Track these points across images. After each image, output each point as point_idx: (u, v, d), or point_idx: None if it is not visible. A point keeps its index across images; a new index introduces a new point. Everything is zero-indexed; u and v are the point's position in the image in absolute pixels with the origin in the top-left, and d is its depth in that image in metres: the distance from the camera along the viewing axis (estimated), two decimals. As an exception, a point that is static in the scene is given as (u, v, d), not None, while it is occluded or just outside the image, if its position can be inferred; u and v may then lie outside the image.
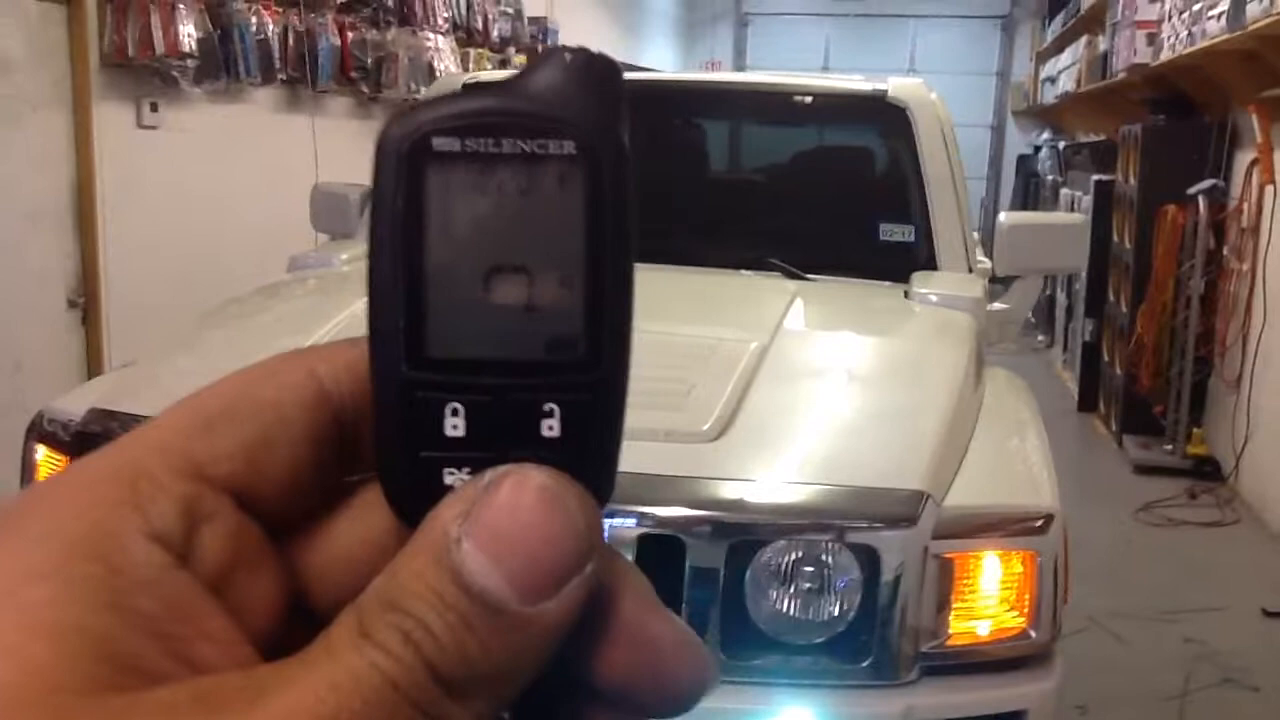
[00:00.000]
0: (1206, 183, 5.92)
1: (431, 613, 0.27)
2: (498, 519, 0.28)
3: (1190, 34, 5.69)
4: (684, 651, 0.30)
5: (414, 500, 0.29)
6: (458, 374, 0.30)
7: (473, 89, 0.30)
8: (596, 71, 0.31)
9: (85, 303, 4.48)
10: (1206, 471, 5.78)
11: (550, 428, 0.30)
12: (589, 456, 0.31)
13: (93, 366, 4.48)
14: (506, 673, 0.27)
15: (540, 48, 8.68)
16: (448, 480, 0.30)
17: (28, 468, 2.15)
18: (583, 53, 0.31)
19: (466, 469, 0.30)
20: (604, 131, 0.30)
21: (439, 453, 0.30)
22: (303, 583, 0.31)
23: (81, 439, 2.03)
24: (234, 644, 0.28)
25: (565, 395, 0.30)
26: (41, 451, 2.13)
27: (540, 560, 0.27)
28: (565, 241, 0.30)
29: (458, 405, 0.30)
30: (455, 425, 0.30)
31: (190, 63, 4.75)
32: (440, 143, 0.29)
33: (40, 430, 2.14)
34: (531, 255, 0.30)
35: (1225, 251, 5.91)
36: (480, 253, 0.30)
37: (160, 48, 4.56)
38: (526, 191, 0.30)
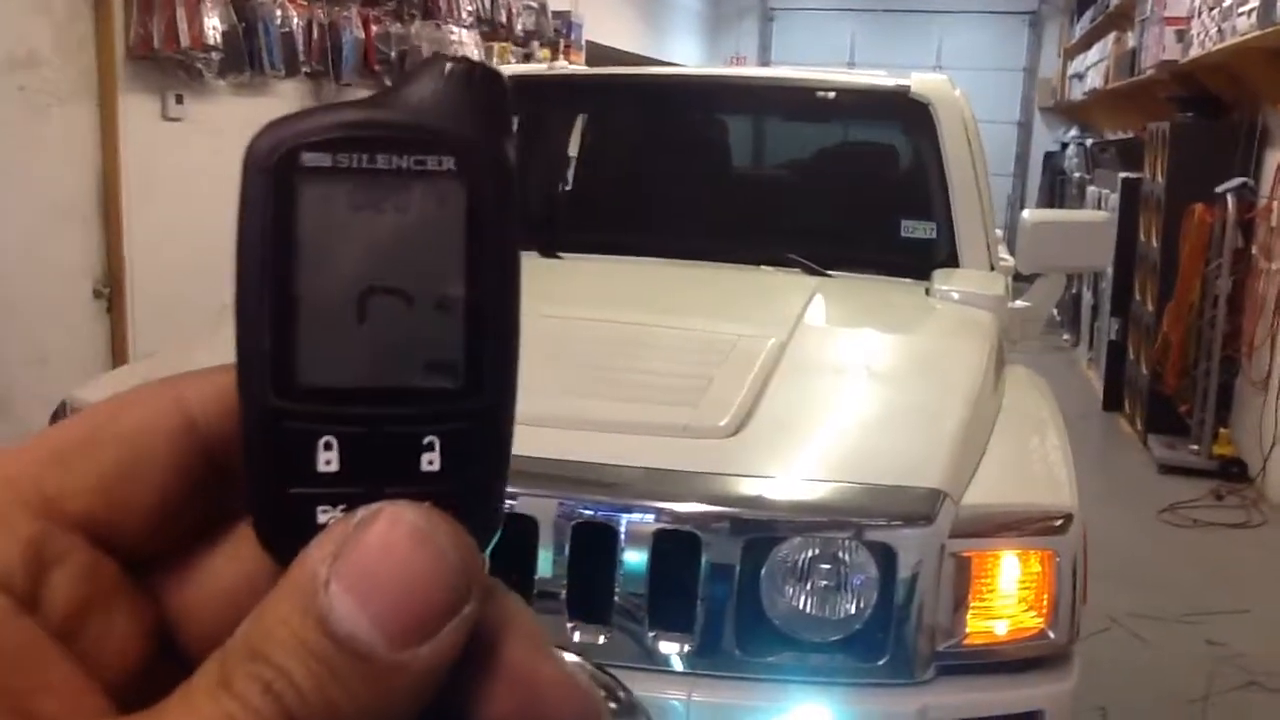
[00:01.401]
0: (1235, 181, 5.85)
1: (294, 661, 0.25)
2: (367, 560, 0.26)
3: (1220, 31, 5.63)
4: (570, 695, 0.29)
5: (285, 539, 0.28)
6: (330, 404, 0.28)
7: (348, 102, 0.29)
8: (478, 82, 0.29)
9: (110, 293, 4.51)
10: (1233, 472, 5.73)
11: (430, 461, 0.28)
12: (473, 491, 0.29)
13: (117, 357, 4.51)
14: None
15: (564, 42, 8.68)
16: (321, 518, 0.28)
17: (50, 457, 2.16)
18: (463, 62, 0.29)
19: (341, 506, 0.28)
20: (485, 147, 0.29)
21: (311, 489, 0.28)
22: (174, 622, 0.30)
23: (102, 429, 2.04)
24: (80, 694, 0.27)
25: (446, 426, 0.29)
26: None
27: (411, 604, 0.26)
28: (444, 262, 0.28)
29: (330, 438, 0.28)
30: (329, 459, 0.28)
31: (215, 55, 4.78)
32: (310, 158, 0.28)
33: (63, 419, 2.16)
34: (409, 277, 0.28)
35: (1254, 251, 5.85)
36: (354, 274, 0.28)
37: (185, 40, 4.58)
38: (403, 210, 0.28)
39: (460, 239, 0.28)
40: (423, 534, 0.27)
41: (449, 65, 0.29)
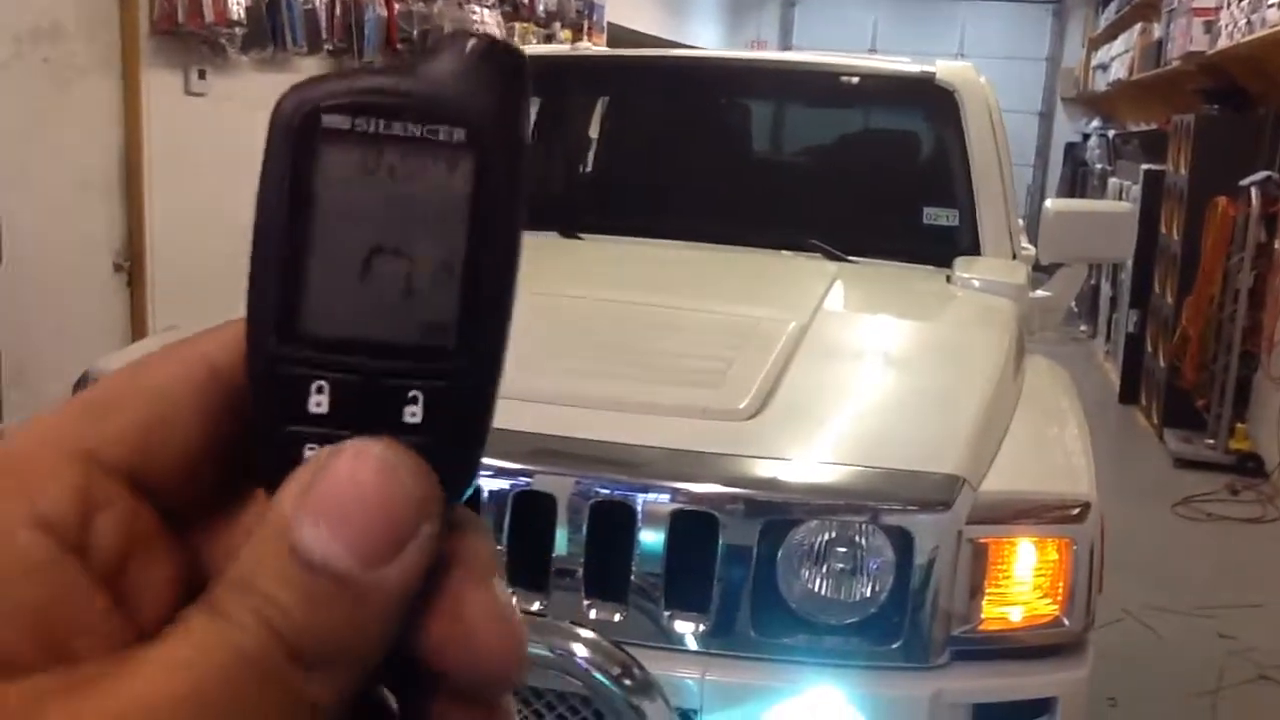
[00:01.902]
0: (1260, 175, 5.81)
1: (279, 588, 0.27)
2: (333, 491, 0.28)
3: (1249, 22, 5.58)
4: (498, 629, 0.30)
5: (278, 473, 0.29)
6: (325, 351, 0.30)
7: (371, 69, 0.30)
8: (497, 61, 0.30)
9: (131, 267, 4.54)
10: (1249, 467, 5.70)
11: (413, 413, 0.30)
12: (449, 445, 0.30)
13: (137, 330, 4.54)
14: (360, 641, 0.28)
15: (586, 24, 8.66)
16: (307, 454, 0.30)
17: (73, 426, 2.18)
18: (485, 40, 0.30)
19: (327, 445, 0.30)
20: (498, 123, 0.30)
21: (302, 427, 0.30)
22: (205, 571, 0.31)
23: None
24: (114, 634, 0.28)
25: (431, 382, 0.30)
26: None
27: (376, 527, 0.28)
28: (448, 230, 0.30)
29: (323, 382, 0.30)
30: (319, 402, 0.30)
31: (238, 31, 4.78)
32: (330, 120, 0.29)
33: (85, 390, 2.18)
34: (412, 240, 0.30)
35: (1276, 245, 5.81)
36: (361, 233, 0.29)
37: (209, 16, 4.59)
38: (413, 176, 0.29)
39: (465, 209, 0.30)
40: (384, 463, 0.29)
41: (471, 41, 0.30)
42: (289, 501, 0.28)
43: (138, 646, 0.27)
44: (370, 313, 0.30)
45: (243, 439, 0.31)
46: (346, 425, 0.30)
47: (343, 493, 0.28)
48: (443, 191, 0.29)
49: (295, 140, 0.29)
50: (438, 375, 0.30)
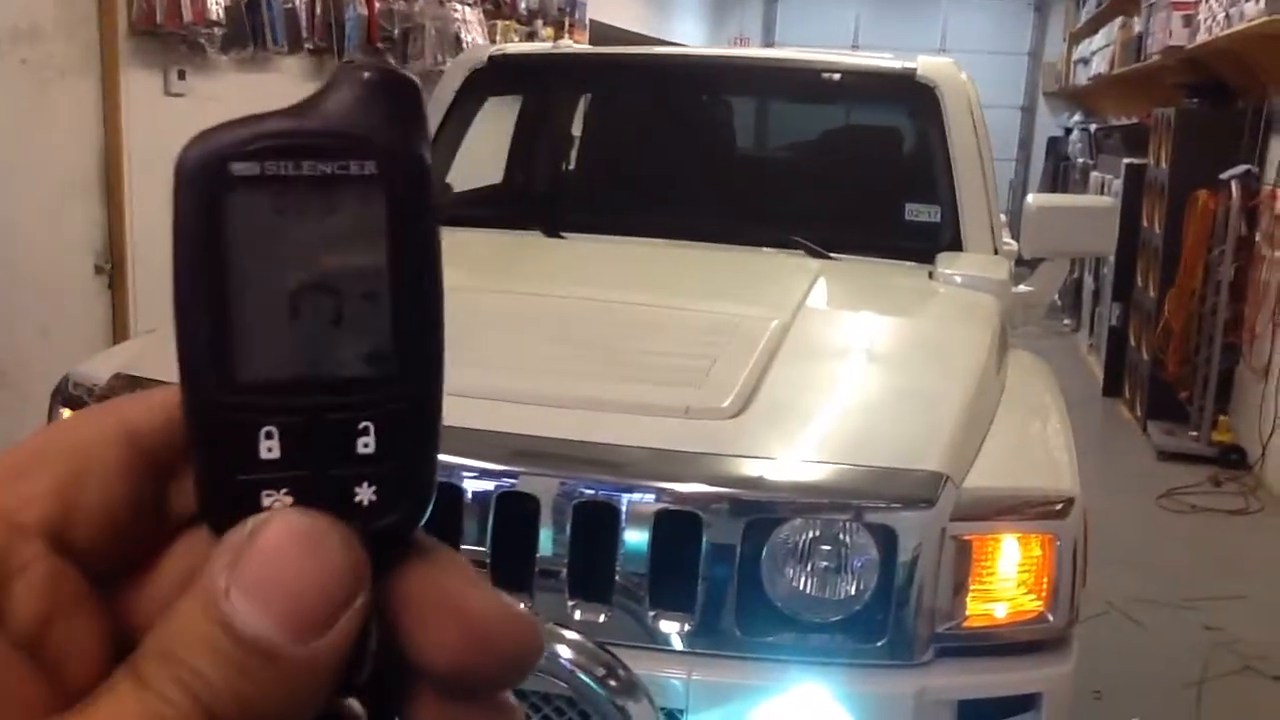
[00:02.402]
0: (1240, 168, 5.84)
1: (205, 661, 0.27)
2: (262, 566, 0.28)
3: (1228, 16, 5.60)
4: (509, 622, 0.31)
5: (234, 524, 0.29)
6: (269, 395, 0.30)
7: (272, 113, 0.30)
8: (393, 89, 0.31)
9: (112, 269, 4.51)
10: (1232, 459, 5.74)
11: (365, 445, 0.30)
12: (407, 469, 0.31)
13: (119, 332, 4.51)
14: (287, 711, 0.28)
15: (568, 21, 8.64)
16: (265, 502, 0.30)
17: (52, 431, 2.17)
18: (379, 70, 0.31)
19: (284, 489, 0.30)
20: (403, 149, 0.30)
21: (256, 475, 0.30)
22: (131, 630, 0.31)
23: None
24: (38, 700, 0.28)
25: (378, 411, 0.31)
26: (67, 415, 2.15)
27: (307, 602, 0.28)
28: (370, 260, 0.30)
29: (271, 428, 0.30)
30: (270, 448, 0.30)
31: (218, 31, 4.75)
32: (239, 167, 0.29)
33: (65, 394, 2.16)
34: (337, 275, 0.30)
35: (1257, 238, 5.84)
36: (285, 274, 0.30)
37: (188, 15, 4.56)
38: (328, 212, 0.30)
39: (383, 237, 0.30)
40: (312, 538, 0.29)
41: (366, 74, 0.31)
42: (219, 572, 0.28)
43: (64, 715, 0.27)
44: (306, 351, 0.30)
45: (156, 497, 0.32)
46: (300, 466, 0.30)
47: (273, 567, 0.28)
48: (360, 223, 0.30)
49: (206, 191, 0.29)
50: (382, 403, 0.31)
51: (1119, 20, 9.27)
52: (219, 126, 0.30)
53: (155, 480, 0.32)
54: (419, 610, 0.30)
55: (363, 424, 0.30)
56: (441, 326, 0.31)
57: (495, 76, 3.45)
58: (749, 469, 1.82)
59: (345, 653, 0.29)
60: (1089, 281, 8.51)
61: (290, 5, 5.28)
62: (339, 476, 0.30)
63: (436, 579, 0.31)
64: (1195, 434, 6.01)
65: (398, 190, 0.30)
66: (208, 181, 0.29)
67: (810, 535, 1.76)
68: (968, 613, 1.79)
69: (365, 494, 0.31)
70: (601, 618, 1.77)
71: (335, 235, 0.30)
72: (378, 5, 6.03)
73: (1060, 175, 11.33)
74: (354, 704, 0.31)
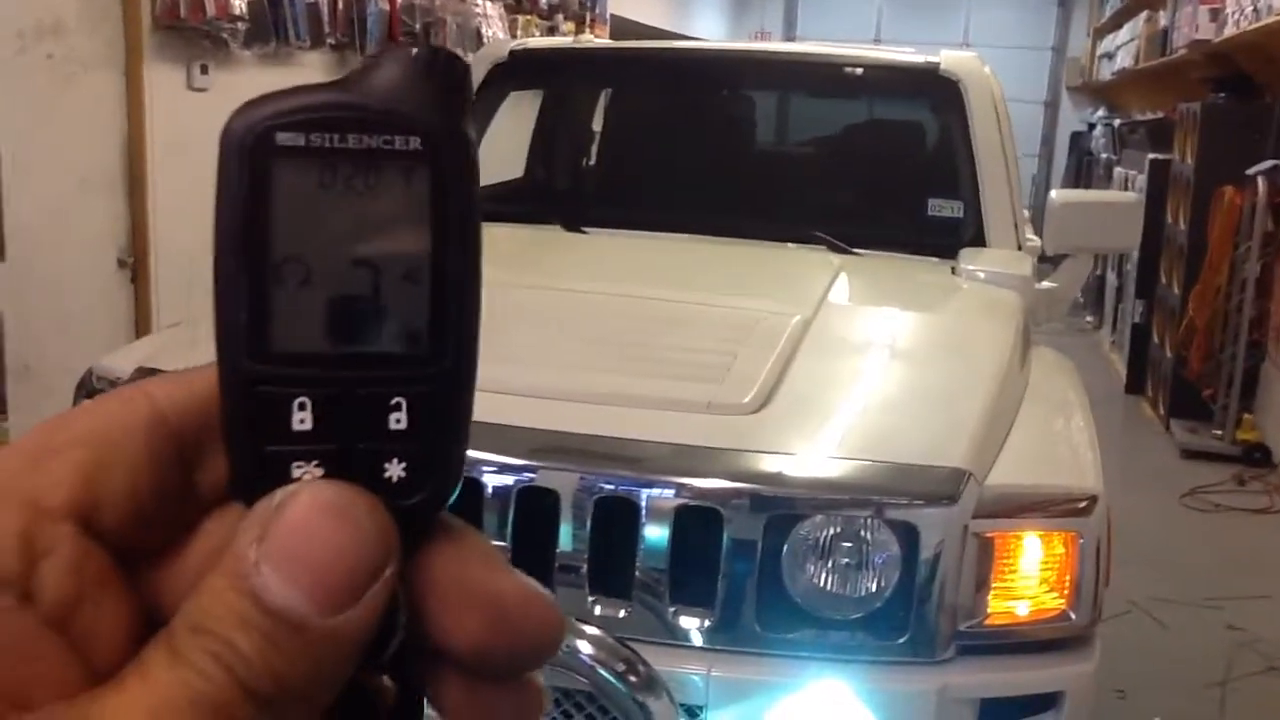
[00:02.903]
0: (1267, 164, 5.78)
1: (237, 633, 0.28)
2: (290, 538, 0.28)
3: (1256, 10, 5.55)
4: (531, 605, 0.31)
5: (263, 495, 0.30)
6: (303, 367, 0.30)
7: (319, 84, 0.30)
8: (440, 68, 0.31)
9: (134, 263, 4.53)
10: (1256, 458, 5.69)
11: (398, 420, 0.30)
12: (436, 447, 0.31)
13: (141, 326, 4.53)
14: (316, 682, 0.28)
15: (589, 16, 8.64)
16: (295, 474, 0.30)
17: (76, 423, 2.18)
18: (426, 49, 0.31)
19: (315, 461, 0.30)
20: (448, 127, 0.30)
21: (286, 446, 0.30)
22: (158, 609, 0.31)
23: (128, 396, 2.05)
24: (69, 678, 0.28)
25: (412, 388, 0.31)
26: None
27: (335, 574, 0.28)
28: (411, 236, 0.30)
29: (305, 399, 0.30)
30: (302, 419, 0.30)
31: (240, 25, 4.77)
32: (284, 137, 0.29)
33: (89, 387, 2.17)
34: (377, 249, 0.30)
35: (1283, 234, 5.79)
36: (325, 247, 0.30)
37: (211, 10, 4.58)
38: (372, 186, 0.30)
39: (425, 214, 0.30)
40: (340, 509, 0.29)
41: (414, 51, 0.31)
42: (248, 545, 0.28)
43: (97, 691, 0.28)
44: (343, 324, 0.30)
45: (183, 478, 0.32)
46: (332, 439, 0.30)
47: (301, 539, 0.28)
48: (402, 199, 0.30)
49: (250, 159, 0.29)
50: (418, 380, 0.31)
51: (1144, 14, 9.20)
52: (266, 96, 0.30)
53: (181, 462, 0.32)
54: (442, 591, 0.31)
55: (396, 399, 0.30)
56: (479, 307, 0.31)
57: (517, 71, 3.44)
58: (770, 464, 1.82)
59: (373, 625, 0.29)
60: (1111, 278, 8.45)
61: (313, 0, 5.29)
62: (370, 451, 0.30)
63: (461, 560, 0.31)
64: (1219, 432, 5.96)
65: (442, 167, 0.30)
66: (252, 150, 0.29)
67: (831, 531, 1.75)
68: (990, 610, 1.78)
69: (395, 470, 0.31)
70: (621, 613, 1.77)
71: (377, 210, 0.30)
72: (399, 0, 6.04)
73: (1084, 171, 11.24)
74: (384, 680, 0.32)
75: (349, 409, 0.30)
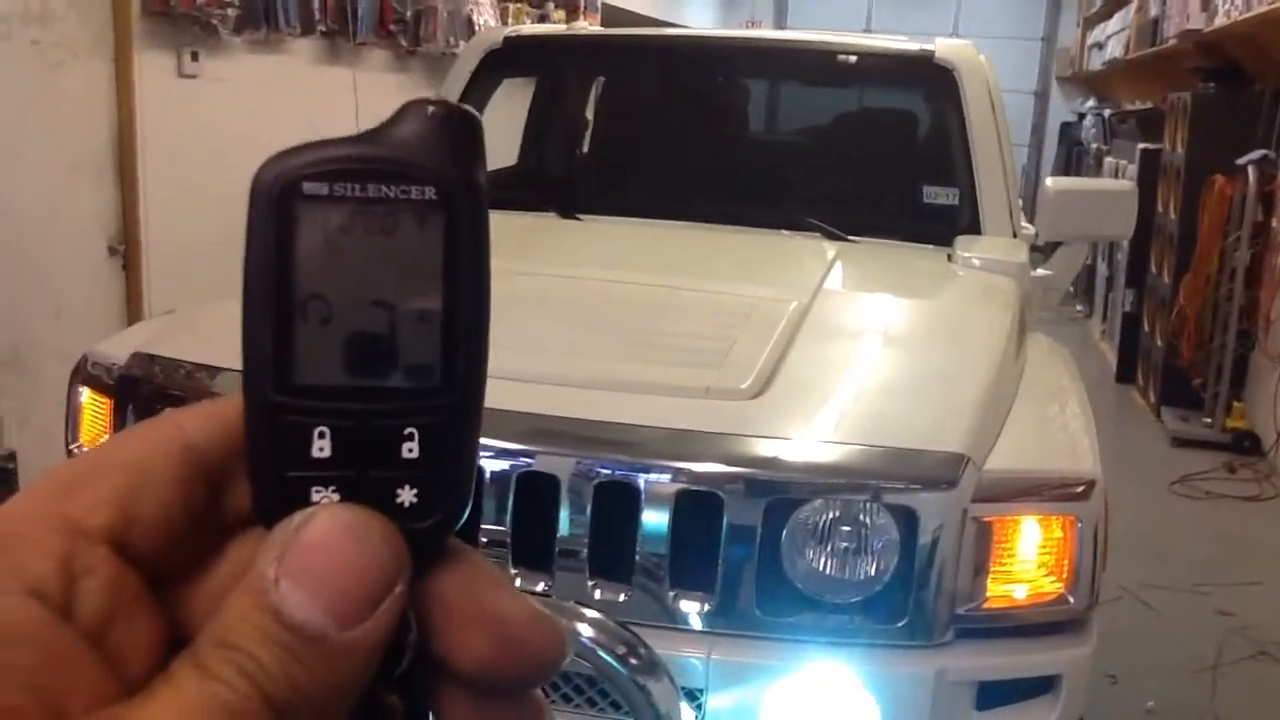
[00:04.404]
0: (1257, 153, 5.80)
1: (260, 647, 0.30)
2: (308, 556, 0.30)
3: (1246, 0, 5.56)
4: (535, 626, 0.33)
5: (283, 516, 0.32)
6: (323, 399, 0.32)
7: (343, 138, 0.32)
8: (455, 123, 0.33)
9: (126, 250, 4.51)
10: (1246, 446, 5.72)
11: (410, 450, 0.33)
12: (446, 473, 0.33)
13: (132, 313, 4.52)
14: (333, 693, 0.30)
15: (581, 4, 8.62)
16: (315, 498, 0.32)
17: (72, 410, 2.17)
18: (443, 105, 0.33)
19: (333, 487, 0.32)
20: (461, 178, 0.33)
21: (307, 472, 0.32)
22: (185, 627, 0.33)
23: (125, 383, 2.05)
24: (103, 691, 0.30)
25: (423, 419, 0.33)
26: (85, 394, 2.15)
27: (351, 589, 0.30)
28: (425, 278, 0.32)
29: (324, 429, 0.32)
30: (321, 447, 0.32)
31: (231, 12, 4.74)
32: (310, 187, 0.32)
33: (85, 373, 2.17)
34: (393, 290, 0.32)
35: (1274, 224, 5.81)
36: (345, 287, 0.32)
37: (202, -4, 4.55)
38: (390, 232, 0.32)
39: (439, 258, 0.32)
40: (355, 529, 0.31)
41: (430, 108, 0.33)
42: (268, 564, 0.30)
43: (129, 702, 0.29)
44: (360, 360, 0.32)
45: (211, 504, 0.34)
46: (349, 466, 0.32)
47: (318, 557, 0.30)
48: (418, 244, 0.32)
49: (278, 207, 0.32)
50: (429, 412, 0.33)
51: (1135, 4, 9.21)
52: (294, 148, 0.32)
53: (209, 489, 0.34)
54: (451, 611, 0.32)
55: (408, 430, 0.33)
56: (486, 346, 0.33)
57: (510, 58, 3.43)
58: (768, 449, 1.82)
59: (386, 639, 0.31)
60: (1102, 267, 8.48)
61: (303, -14, 5.26)
62: (384, 478, 0.33)
63: (468, 582, 0.33)
64: (1209, 420, 5.99)
65: (455, 215, 0.32)
66: (280, 198, 0.32)
67: (830, 516, 1.75)
68: (988, 594, 1.79)
69: (407, 496, 0.33)
70: (621, 597, 1.77)
71: (394, 255, 0.32)
72: (390, -13, 6.01)
73: (1074, 161, 11.27)
74: (394, 699, 0.33)
75: (365, 438, 0.33)
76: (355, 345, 0.32)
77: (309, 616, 0.30)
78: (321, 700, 0.30)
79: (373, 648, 0.30)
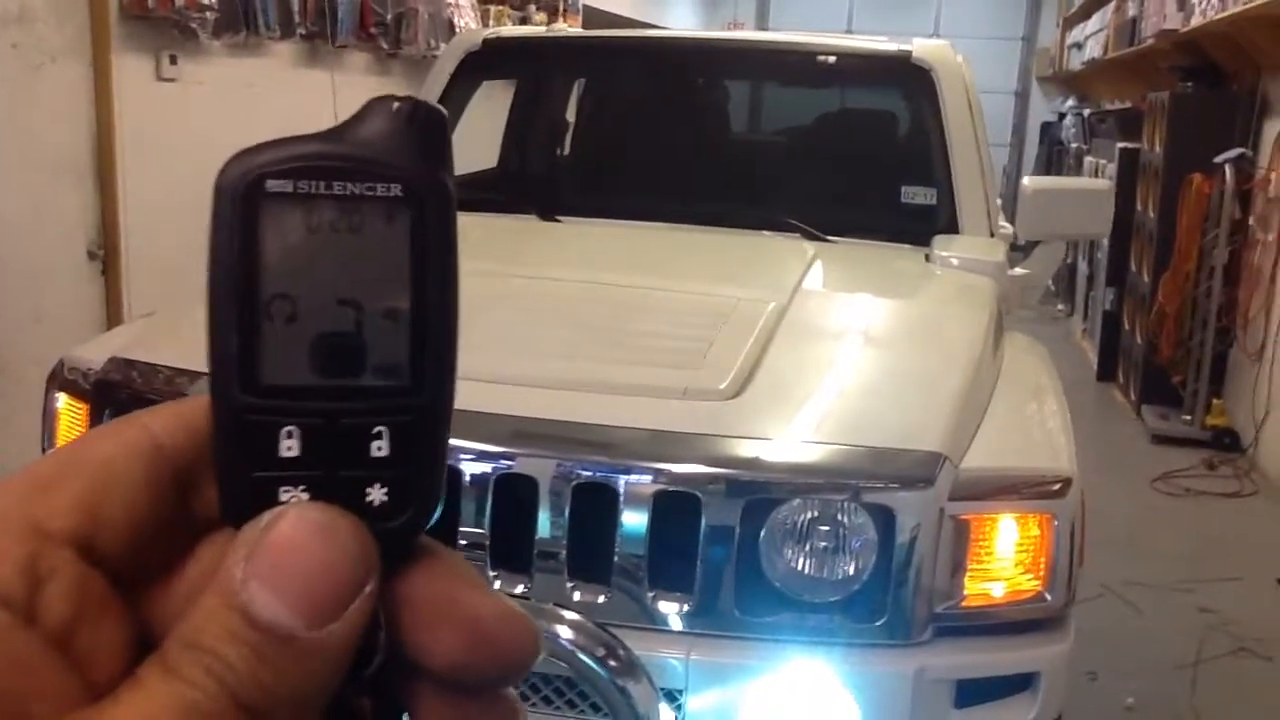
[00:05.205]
0: (1234, 152, 5.84)
1: (228, 647, 0.29)
2: (276, 555, 0.30)
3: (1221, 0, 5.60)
4: (508, 623, 0.33)
5: (251, 517, 0.31)
6: (290, 399, 0.32)
7: (308, 135, 0.32)
8: (421, 119, 0.33)
9: (105, 255, 4.49)
10: (1225, 443, 5.76)
11: (379, 448, 0.32)
12: (416, 472, 0.33)
13: (112, 318, 4.49)
14: (302, 693, 0.30)
15: (562, 6, 8.61)
16: (283, 498, 0.32)
17: (49, 416, 2.16)
18: (408, 101, 0.33)
19: (301, 486, 0.32)
20: (428, 175, 0.32)
21: (275, 472, 0.32)
22: (155, 630, 0.32)
23: (102, 387, 2.04)
24: (69, 695, 0.30)
25: (392, 418, 0.33)
26: (62, 400, 2.14)
27: (320, 589, 0.30)
28: (392, 276, 0.32)
29: (292, 428, 0.32)
30: (289, 447, 0.32)
31: (210, 15, 4.73)
32: (274, 184, 0.31)
33: (61, 379, 2.15)
34: (360, 289, 0.32)
35: (1251, 222, 5.85)
36: (312, 286, 0.32)
37: (180, 0, 4.54)
38: (355, 230, 0.32)
39: (405, 256, 0.32)
40: (323, 527, 0.31)
41: (395, 104, 0.33)
42: (236, 563, 0.30)
43: (96, 706, 0.29)
44: (327, 359, 0.32)
45: (179, 505, 0.33)
46: (318, 465, 0.32)
47: (286, 556, 0.30)
48: (384, 242, 0.32)
49: (242, 205, 0.31)
50: (398, 411, 0.33)
51: (1113, 4, 9.25)
52: (257, 146, 0.32)
53: (177, 490, 0.33)
54: (423, 610, 0.32)
55: (377, 429, 0.32)
56: (455, 342, 0.33)
57: (490, 60, 3.43)
58: (747, 450, 1.82)
59: (356, 639, 0.30)
60: (1082, 266, 8.52)
61: (282, -11, 5.25)
62: (353, 477, 0.32)
63: (439, 580, 0.32)
64: (1189, 418, 6.03)
65: (421, 212, 0.32)
66: (244, 196, 0.31)
67: (808, 516, 1.76)
68: (966, 592, 1.80)
69: (377, 495, 0.32)
70: (600, 598, 1.77)
71: (361, 253, 0.32)
72: (370, -10, 6.00)
73: (1054, 160, 11.32)
74: (365, 703, 0.33)
75: (333, 437, 0.32)
76: (322, 344, 0.32)
77: (278, 616, 0.29)
78: (291, 701, 0.29)
79: (343, 648, 0.30)
